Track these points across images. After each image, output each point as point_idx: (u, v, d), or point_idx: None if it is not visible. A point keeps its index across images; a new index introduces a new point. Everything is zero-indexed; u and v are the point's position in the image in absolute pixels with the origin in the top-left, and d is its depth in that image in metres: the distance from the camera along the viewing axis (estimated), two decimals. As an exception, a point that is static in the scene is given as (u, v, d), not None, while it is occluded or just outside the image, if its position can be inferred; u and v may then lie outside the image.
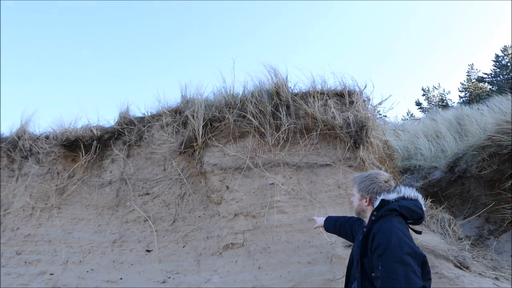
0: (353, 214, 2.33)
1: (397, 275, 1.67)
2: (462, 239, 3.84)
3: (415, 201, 2.24)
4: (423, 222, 3.74)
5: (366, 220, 2.15)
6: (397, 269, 1.69)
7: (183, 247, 3.69)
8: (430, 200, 4.35)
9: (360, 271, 1.87)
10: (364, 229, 2.01)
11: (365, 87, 4.00)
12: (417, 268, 1.75)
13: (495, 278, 3.13)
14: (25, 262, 4.04)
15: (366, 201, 2.11)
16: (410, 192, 2.17)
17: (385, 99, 3.99)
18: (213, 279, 3.35)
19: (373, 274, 1.81)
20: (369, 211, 2.10)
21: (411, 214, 2.07)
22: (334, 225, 2.69)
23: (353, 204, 2.20)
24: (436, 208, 4.17)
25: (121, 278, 3.62)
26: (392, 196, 2.10)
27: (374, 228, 1.93)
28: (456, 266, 3.07)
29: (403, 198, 2.09)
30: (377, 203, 2.06)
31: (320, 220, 2.88)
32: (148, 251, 3.76)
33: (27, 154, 4.67)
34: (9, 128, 5.05)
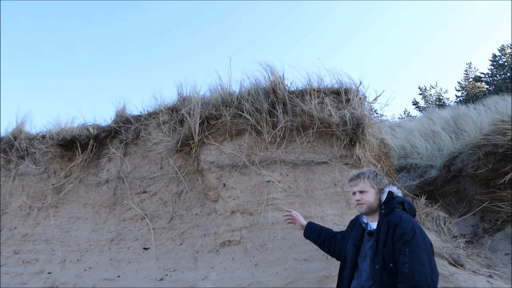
0: (358, 212, 2.24)
1: (424, 261, 1.79)
2: (457, 237, 3.87)
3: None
4: (420, 220, 3.78)
5: (372, 216, 2.13)
6: (423, 256, 1.81)
7: (180, 244, 3.70)
8: (425, 198, 4.38)
9: (381, 263, 1.90)
10: (383, 223, 2.00)
11: (360, 84, 4.02)
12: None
13: (489, 276, 3.16)
14: (23, 261, 4.04)
15: (380, 194, 2.14)
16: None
17: (380, 95, 4.01)
18: (210, 276, 3.36)
19: (391, 265, 1.87)
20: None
21: (410, 209, 2.13)
22: (317, 235, 2.65)
23: (361, 201, 2.12)
24: (432, 206, 4.20)
25: (118, 276, 3.63)
26: (396, 190, 2.16)
27: (393, 219, 1.97)
28: (450, 263, 3.10)
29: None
30: (384, 196, 2.11)
31: (301, 220, 2.84)
32: (145, 249, 3.76)
33: (24, 154, 4.66)
34: (5, 128, 5.02)
